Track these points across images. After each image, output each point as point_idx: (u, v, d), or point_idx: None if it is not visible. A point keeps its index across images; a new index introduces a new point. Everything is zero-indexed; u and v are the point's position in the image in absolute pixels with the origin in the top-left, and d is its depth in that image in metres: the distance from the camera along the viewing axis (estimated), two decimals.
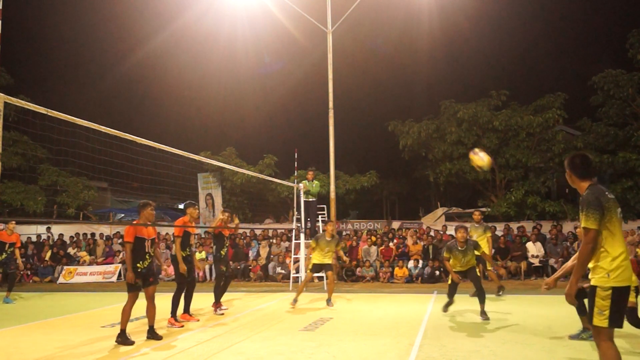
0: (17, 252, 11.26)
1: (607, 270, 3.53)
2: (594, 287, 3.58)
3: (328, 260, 9.84)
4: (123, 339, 6.38)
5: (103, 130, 6.60)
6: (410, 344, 6.10)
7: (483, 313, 7.70)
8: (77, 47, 45.45)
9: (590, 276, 3.65)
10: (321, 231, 13.40)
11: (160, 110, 36.98)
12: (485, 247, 10.46)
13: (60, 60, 42.15)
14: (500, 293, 10.46)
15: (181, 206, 32.55)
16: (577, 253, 3.67)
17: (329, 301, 9.49)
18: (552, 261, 13.92)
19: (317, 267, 9.85)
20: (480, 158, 7.99)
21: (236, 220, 9.70)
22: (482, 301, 7.77)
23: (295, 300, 9.46)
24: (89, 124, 6.34)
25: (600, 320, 3.50)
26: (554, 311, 8.29)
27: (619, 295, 3.50)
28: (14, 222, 11.26)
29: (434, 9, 18.15)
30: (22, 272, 15.44)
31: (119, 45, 42.80)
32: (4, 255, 10.81)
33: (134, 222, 6.85)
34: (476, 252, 8.14)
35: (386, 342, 6.23)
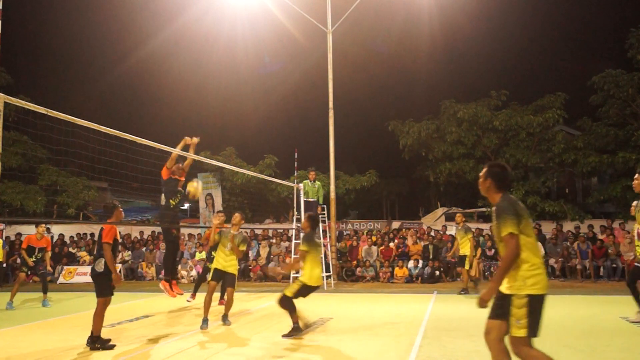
0: (47, 255, 10.81)
1: (524, 277, 3.47)
2: (509, 296, 3.49)
3: (231, 268, 7.58)
4: (102, 342, 6.13)
5: (103, 130, 6.60)
6: (410, 344, 6.10)
7: None
8: (77, 47, 45.48)
9: (505, 284, 3.55)
10: (321, 231, 13.40)
11: (160, 110, 37.01)
12: (467, 248, 11.12)
13: (60, 60, 42.16)
14: (462, 292, 11.04)
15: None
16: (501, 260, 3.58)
17: (224, 318, 7.67)
18: (552, 261, 13.93)
19: (218, 275, 7.54)
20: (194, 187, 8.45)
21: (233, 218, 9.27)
22: None
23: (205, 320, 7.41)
24: (89, 124, 6.34)
25: (518, 330, 3.42)
26: (553, 311, 8.27)
27: (536, 303, 3.45)
28: (43, 225, 10.78)
29: (434, 9, 18.16)
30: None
31: (119, 45, 42.82)
32: (33, 259, 10.32)
33: (109, 222, 6.62)
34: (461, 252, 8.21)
35: (386, 342, 6.23)
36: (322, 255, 9.64)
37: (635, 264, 7.41)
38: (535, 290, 3.44)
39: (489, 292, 3.54)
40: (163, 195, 8.70)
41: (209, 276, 7.87)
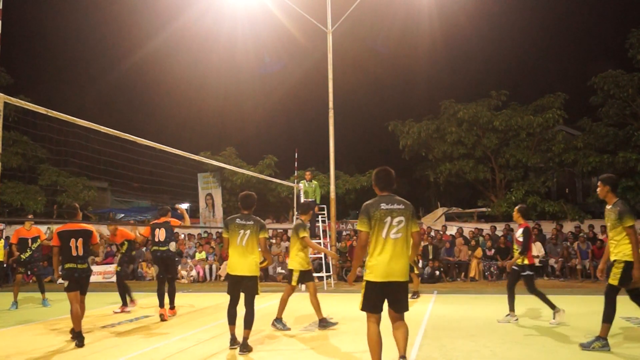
0: (45, 243, 10.50)
1: (367, 266, 4.48)
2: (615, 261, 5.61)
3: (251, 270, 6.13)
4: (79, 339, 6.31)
5: (103, 131, 6.61)
6: (410, 344, 6.09)
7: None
8: (77, 47, 45.48)
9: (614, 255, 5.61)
10: (321, 231, 13.40)
11: (160, 110, 37.03)
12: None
13: (61, 60, 42.19)
14: (415, 297, 10.43)
15: (182, 206, 32.57)
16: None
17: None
18: (552, 261, 13.93)
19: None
20: None
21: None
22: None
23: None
24: (89, 124, 6.34)
25: (359, 305, 4.51)
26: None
27: (371, 287, 4.44)
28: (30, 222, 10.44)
29: (434, 9, 18.15)
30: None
31: (119, 45, 42.84)
32: (28, 253, 9.98)
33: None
34: None
35: (386, 342, 6.22)
36: (322, 255, 9.49)
37: (513, 267, 7.55)
38: (373, 278, 4.44)
39: (351, 274, 4.82)
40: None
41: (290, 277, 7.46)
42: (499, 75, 36.76)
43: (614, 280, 5.59)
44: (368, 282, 4.45)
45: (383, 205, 4.47)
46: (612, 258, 5.66)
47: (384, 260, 4.37)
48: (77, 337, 6.32)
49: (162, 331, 7.19)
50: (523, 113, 17.96)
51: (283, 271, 14.65)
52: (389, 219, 4.42)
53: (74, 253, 6.54)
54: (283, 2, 15.02)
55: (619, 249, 5.58)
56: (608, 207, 5.78)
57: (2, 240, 12.89)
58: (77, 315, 6.37)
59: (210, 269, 15.30)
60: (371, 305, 4.45)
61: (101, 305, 10.10)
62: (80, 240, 6.60)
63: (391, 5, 20.58)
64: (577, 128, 19.51)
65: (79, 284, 6.56)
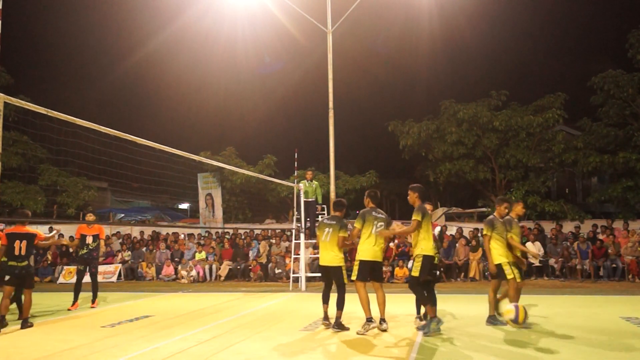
0: (101, 243, 10.23)
1: (359, 250, 6.98)
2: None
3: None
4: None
5: (103, 131, 6.60)
6: (410, 344, 6.10)
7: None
8: (77, 47, 45.49)
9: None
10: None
11: (160, 110, 37.05)
12: None
13: (60, 60, 42.20)
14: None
15: (182, 206, 32.58)
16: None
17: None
18: (552, 261, 13.93)
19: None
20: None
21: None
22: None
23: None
24: (89, 124, 6.34)
25: (354, 276, 6.88)
26: (554, 311, 8.29)
27: (363, 264, 6.88)
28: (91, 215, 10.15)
29: (434, 9, 18.17)
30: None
31: (119, 45, 42.85)
32: (85, 250, 9.75)
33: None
34: None
35: (386, 342, 6.24)
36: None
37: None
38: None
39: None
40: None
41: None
42: (499, 75, 36.78)
43: (415, 272, 6.61)
44: (361, 260, 6.86)
45: (374, 213, 6.98)
46: (415, 253, 6.71)
47: (370, 247, 6.85)
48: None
49: (162, 331, 7.19)
50: (523, 113, 17.96)
51: (279, 270, 14.64)
52: (375, 222, 6.90)
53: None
54: (283, 2, 15.04)
55: (420, 244, 6.64)
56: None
57: None
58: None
59: (210, 269, 15.30)
60: (363, 276, 6.86)
61: (101, 305, 10.10)
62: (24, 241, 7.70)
63: (391, 5, 20.62)
64: (577, 128, 19.50)
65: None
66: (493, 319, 7.20)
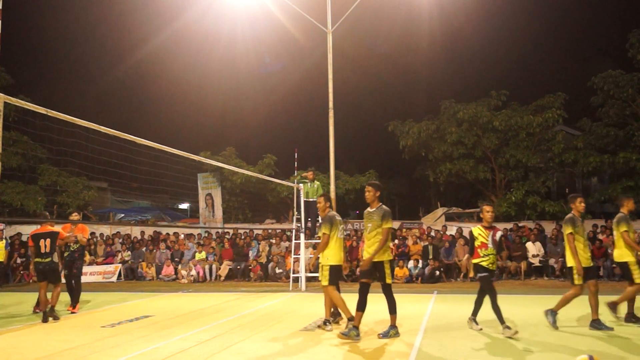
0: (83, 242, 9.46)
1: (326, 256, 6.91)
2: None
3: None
4: None
5: (103, 130, 6.60)
6: (410, 344, 6.10)
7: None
8: (77, 47, 45.49)
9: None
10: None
11: (160, 110, 37.05)
12: None
13: (60, 60, 42.21)
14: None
15: (182, 206, 32.57)
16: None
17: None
18: (552, 261, 13.93)
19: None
20: None
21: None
22: None
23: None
24: (89, 124, 6.34)
25: (324, 281, 6.84)
26: None
27: (337, 268, 6.92)
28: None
29: (434, 9, 18.16)
30: (22, 272, 15.43)
31: (119, 45, 42.85)
32: (67, 252, 9.23)
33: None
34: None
35: (386, 342, 6.23)
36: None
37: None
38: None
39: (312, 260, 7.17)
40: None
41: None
42: (499, 75, 36.77)
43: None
44: (332, 266, 6.86)
45: (337, 217, 7.10)
46: (376, 258, 6.38)
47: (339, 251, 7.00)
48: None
49: (162, 331, 7.19)
50: (523, 113, 17.96)
51: (280, 270, 14.63)
52: (342, 226, 7.15)
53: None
54: (283, 2, 15.03)
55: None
56: (370, 210, 6.57)
57: (3, 241, 12.88)
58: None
59: (210, 269, 15.29)
60: (337, 280, 7.02)
61: (101, 305, 10.10)
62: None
63: (391, 5, 20.65)
64: (577, 128, 19.51)
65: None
66: (598, 323, 6.77)
